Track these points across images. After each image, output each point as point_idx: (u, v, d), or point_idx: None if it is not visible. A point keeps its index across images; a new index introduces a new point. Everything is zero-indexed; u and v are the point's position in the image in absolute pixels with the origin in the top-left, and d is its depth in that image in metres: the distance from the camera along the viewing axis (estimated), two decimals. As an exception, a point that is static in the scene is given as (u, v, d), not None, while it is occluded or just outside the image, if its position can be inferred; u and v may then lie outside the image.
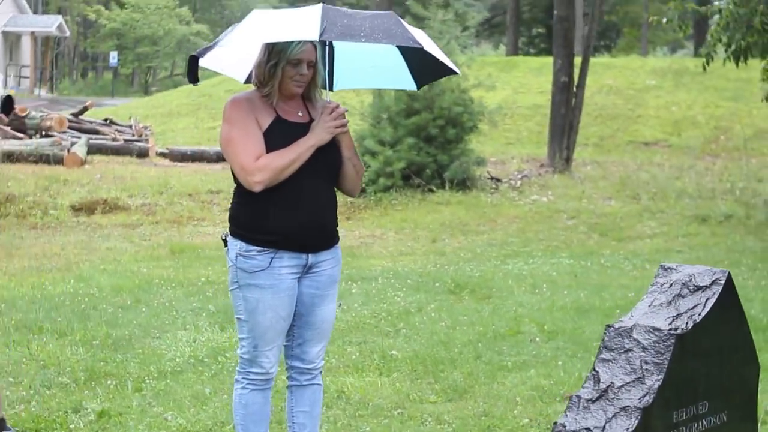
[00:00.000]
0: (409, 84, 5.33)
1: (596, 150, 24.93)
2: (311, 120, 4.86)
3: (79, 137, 23.87)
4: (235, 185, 4.87)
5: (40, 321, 8.68)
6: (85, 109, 27.66)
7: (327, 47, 4.90)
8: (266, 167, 4.65)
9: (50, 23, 56.73)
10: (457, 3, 56.95)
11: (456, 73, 5.13)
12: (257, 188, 4.67)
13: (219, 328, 8.46)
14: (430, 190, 17.37)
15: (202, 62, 4.71)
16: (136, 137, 25.73)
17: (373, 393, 6.74)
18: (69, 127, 25.03)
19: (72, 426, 6.02)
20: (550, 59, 33.90)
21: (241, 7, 75.21)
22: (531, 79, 31.75)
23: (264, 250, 4.75)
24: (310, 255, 4.84)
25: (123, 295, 9.91)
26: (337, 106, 4.83)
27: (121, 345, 7.94)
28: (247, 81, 5.15)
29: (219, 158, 23.82)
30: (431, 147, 17.75)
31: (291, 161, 4.68)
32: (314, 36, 4.37)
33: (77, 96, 53.68)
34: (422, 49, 4.71)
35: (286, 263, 4.78)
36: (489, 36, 61.93)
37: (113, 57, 57.65)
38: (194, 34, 65.69)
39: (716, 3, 15.73)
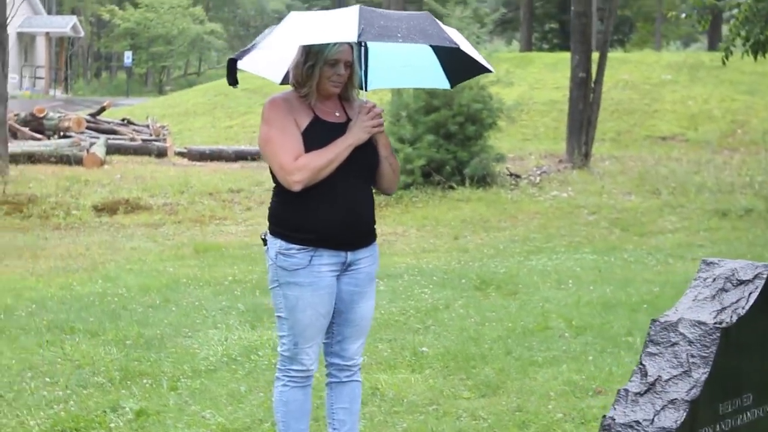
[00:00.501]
0: (442, 83, 5.39)
1: (613, 145, 24.95)
2: (348, 120, 4.92)
3: (97, 137, 24.02)
4: (275, 185, 4.94)
5: (71, 321, 8.76)
6: (103, 109, 27.81)
7: (362, 47, 4.96)
8: (305, 167, 4.71)
9: (64, 24, 56.94)
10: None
11: (490, 71, 5.16)
12: (296, 187, 4.73)
13: (250, 327, 8.53)
14: (451, 187, 17.43)
15: (241, 65, 4.78)
16: (153, 137, 25.85)
17: (407, 389, 6.80)
18: (87, 128, 25.19)
19: (112, 425, 6.09)
20: (565, 54, 33.93)
21: (254, 5, 75.43)
22: (546, 75, 31.78)
23: (304, 248, 4.82)
24: (348, 253, 4.91)
25: (151, 294, 9.99)
26: (374, 106, 4.89)
27: (154, 344, 8.01)
28: (284, 82, 5.22)
29: (237, 157, 23.96)
30: (451, 144, 17.81)
31: (329, 161, 4.75)
32: (353, 37, 4.43)
33: (92, 96, 53.92)
34: (458, 48, 4.78)
35: (326, 261, 4.85)
36: (502, 32, 62.00)
37: (128, 57, 57.82)
38: (208, 33, 65.92)
39: (735, -3, 15.75)
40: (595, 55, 21.26)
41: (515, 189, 17.97)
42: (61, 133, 23.97)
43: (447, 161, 17.74)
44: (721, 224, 14.62)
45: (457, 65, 5.24)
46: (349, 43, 4.85)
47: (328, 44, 4.78)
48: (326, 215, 4.81)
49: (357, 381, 5.20)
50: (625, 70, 30.83)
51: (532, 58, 35.77)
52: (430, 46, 5.15)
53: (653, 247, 12.87)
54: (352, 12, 4.58)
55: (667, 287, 10.13)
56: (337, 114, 4.94)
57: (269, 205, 5.04)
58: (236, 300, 9.65)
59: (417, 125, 17.96)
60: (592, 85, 20.85)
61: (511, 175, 19.00)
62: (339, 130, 4.85)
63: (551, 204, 16.63)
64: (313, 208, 4.81)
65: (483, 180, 17.85)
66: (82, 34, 61.38)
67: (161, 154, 24.26)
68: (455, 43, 4.69)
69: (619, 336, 8.24)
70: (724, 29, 45.40)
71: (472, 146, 18.04)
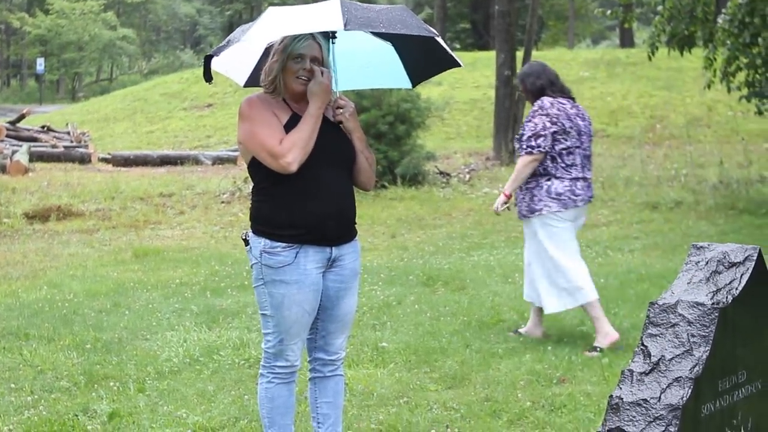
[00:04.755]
0: (404, 82, 5.49)
1: (536, 142, 25.23)
2: (325, 119, 4.95)
3: (18, 145, 23.74)
4: (254, 184, 4.97)
5: (24, 328, 8.70)
6: (22, 116, 27.49)
7: (333, 46, 5.00)
8: (293, 145, 4.74)
9: (-26, 31, 56.01)
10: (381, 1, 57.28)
11: (460, 65, 5.25)
12: (293, 167, 4.75)
13: (206, 328, 8.55)
14: (383, 186, 17.52)
15: (213, 63, 4.81)
16: (75, 143, 25.61)
17: (375, 384, 6.88)
18: (7, 135, 24.89)
19: (90, 427, 6.09)
20: (482, 54, 34.37)
21: (166, 10, 74.84)
22: (465, 75, 32.01)
23: (289, 246, 4.85)
24: (333, 248, 4.96)
25: (100, 299, 9.94)
26: (323, 72, 4.88)
27: (113, 348, 7.99)
28: (248, 84, 5.26)
29: (162, 162, 23.85)
30: (381, 144, 17.88)
31: (311, 132, 4.79)
32: (339, 26, 4.50)
33: (4, 104, 53.11)
34: (433, 39, 4.89)
35: (311, 257, 4.89)
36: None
37: (40, 63, 56.97)
38: (120, 39, 65.27)
39: (659, -6, 16.07)
40: (520, 54, 21.52)
41: (446, 187, 18.13)
42: (-20, 142, 23.64)
43: (378, 161, 17.83)
44: (652, 216, 14.91)
45: (421, 63, 5.34)
46: (316, 41, 4.90)
47: (294, 40, 4.83)
48: (309, 209, 4.85)
49: (340, 375, 5.27)
50: (543, 68, 31.15)
51: (451, 58, 35.95)
52: (393, 46, 5.26)
53: (590, 240, 13.08)
54: (334, 4, 4.65)
55: (611, 278, 10.34)
56: (313, 113, 4.98)
57: (250, 205, 5.07)
58: (188, 302, 9.64)
59: (347, 125, 17.98)
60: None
61: (440, 173, 19.15)
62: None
63: (484, 201, 16.80)
64: (297, 205, 4.85)
65: (414, 179, 17.99)
66: (-7, 41, 60.47)
67: (85, 160, 24.08)
68: (434, 33, 4.81)
69: (572, 326, 8.42)
70: (634, 26, 46.08)
71: (402, 145, 18.16)
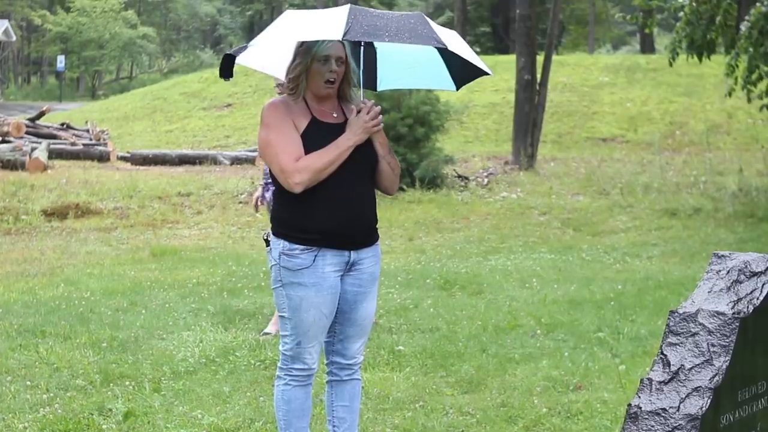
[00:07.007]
0: (448, 84, 5.41)
1: (555, 147, 25.23)
2: (346, 120, 4.94)
3: (38, 142, 23.76)
4: (276, 187, 4.95)
5: (40, 325, 8.71)
6: (42, 114, 27.50)
7: (363, 47, 4.99)
8: (306, 168, 4.74)
9: (-4, 28, 56.14)
10: (402, 2, 57.22)
11: (488, 74, 5.20)
12: (297, 189, 4.76)
13: (222, 328, 8.54)
14: (401, 189, 17.49)
15: (240, 60, 4.81)
16: (94, 141, 25.64)
17: (391, 387, 6.86)
18: (26, 132, 24.90)
19: (104, 426, 6.08)
20: (503, 57, 34.31)
21: (187, 9, 74.96)
22: (486, 78, 31.72)
23: (307, 249, 4.84)
24: (352, 252, 4.94)
25: (117, 298, 9.95)
26: (373, 105, 4.92)
27: (129, 347, 7.99)
28: None
29: (181, 161, 23.86)
30: (400, 146, 17.84)
31: (330, 162, 4.77)
32: (338, 36, 4.48)
33: (24, 101, 53.23)
34: (447, 49, 4.82)
35: (329, 261, 4.87)
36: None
37: (60, 61, 57.07)
38: (140, 37, 65.36)
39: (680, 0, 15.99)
40: (540, 58, 21.47)
41: (465, 190, 18.10)
42: (0, 138, 23.66)
43: (397, 163, 17.77)
44: (671, 223, 14.86)
45: (462, 68, 5.28)
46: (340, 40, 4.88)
47: (318, 42, 4.82)
48: (329, 214, 4.83)
49: (357, 379, 5.24)
50: (563, 73, 31.14)
51: (470, 62, 35.88)
52: (436, 48, 5.20)
53: (608, 246, 13.05)
54: (342, 11, 4.63)
55: (628, 285, 10.30)
56: (335, 115, 4.96)
57: (271, 206, 5.06)
58: (204, 302, 9.64)
59: (366, 128, 17.96)
60: (537, 87, 21.05)
61: (459, 176, 19.12)
62: (337, 130, 4.86)
63: (502, 205, 16.78)
64: (316, 208, 4.83)
65: (433, 182, 17.96)
66: (14, 38, 60.56)
67: (103, 158, 24.11)
68: (443, 44, 4.72)
69: (589, 332, 8.37)
70: (654, 32, 45.91)
71: (421, 148, 18.14)
